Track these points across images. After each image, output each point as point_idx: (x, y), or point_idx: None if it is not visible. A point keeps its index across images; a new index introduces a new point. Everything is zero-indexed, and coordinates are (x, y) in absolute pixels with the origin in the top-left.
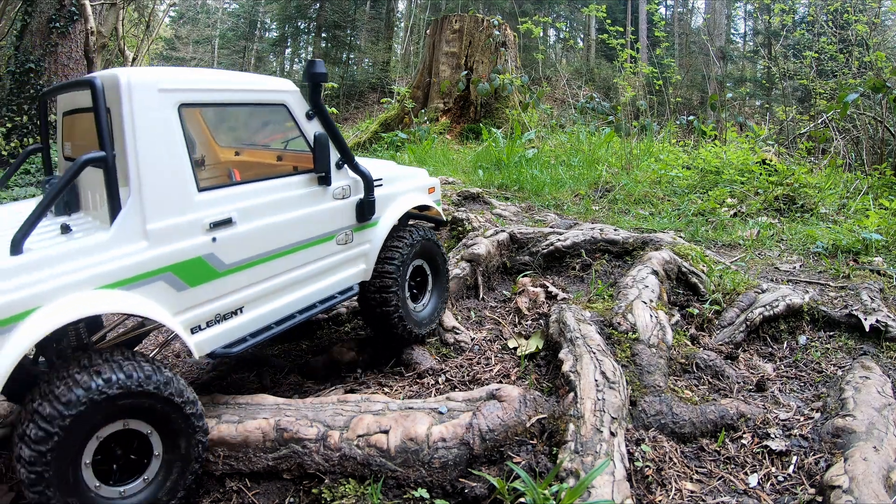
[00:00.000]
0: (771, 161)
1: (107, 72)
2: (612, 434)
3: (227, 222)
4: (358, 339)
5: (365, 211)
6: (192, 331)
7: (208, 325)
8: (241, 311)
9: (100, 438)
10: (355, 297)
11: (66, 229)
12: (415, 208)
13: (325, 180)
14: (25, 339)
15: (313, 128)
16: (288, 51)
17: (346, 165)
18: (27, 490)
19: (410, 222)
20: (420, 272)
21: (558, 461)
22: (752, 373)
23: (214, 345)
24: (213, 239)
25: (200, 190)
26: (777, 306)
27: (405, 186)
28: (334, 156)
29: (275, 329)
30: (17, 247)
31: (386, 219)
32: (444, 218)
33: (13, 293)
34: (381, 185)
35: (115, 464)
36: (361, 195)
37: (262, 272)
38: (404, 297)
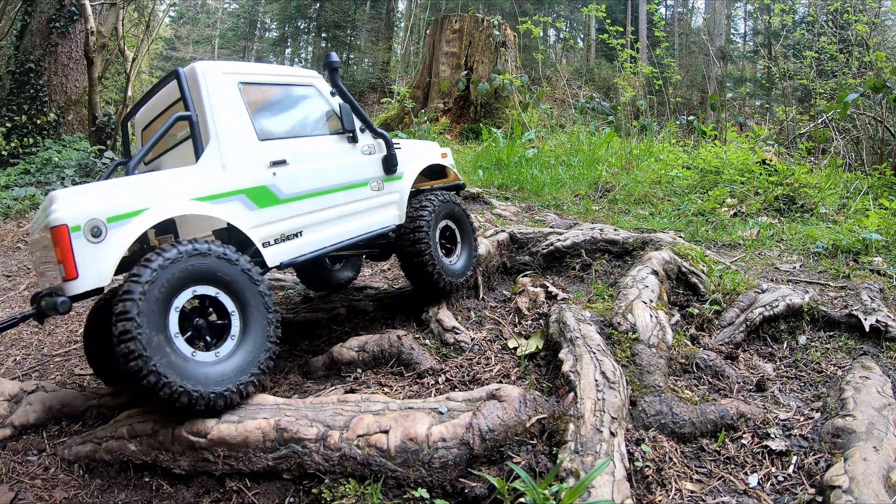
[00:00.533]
0: (771, 161)
1: (188, 66)
2: (612, 434)
3: (283, 162)
4: (358, 338)
5: (389, 164)
6: (264, 245)
7: (276, 242)
8: (301, 235)
9: (178, 310)
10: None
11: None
12: (434, 177)
13: (353, 139)
14: (140, 225)
15: (337, 101)
16: (288, 51)
17: (367, 130)
18: (128, 362)
19: (435, 188)
20: (449, 231)
21: (558, 461)
22: (752, 373)
23: (282, 258)
24: (274, 173)
25: (261, 140)
26: (777, 306)
27: (420, 151)
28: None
29: (328, 249)
30: (129, 171)
31: (408, 174)
32: (462, 181)
33: (130, 199)
34: (399, 147)
35: (202, 336)
36: (384, 151)
37: (313, 205)
38: (437, 250)
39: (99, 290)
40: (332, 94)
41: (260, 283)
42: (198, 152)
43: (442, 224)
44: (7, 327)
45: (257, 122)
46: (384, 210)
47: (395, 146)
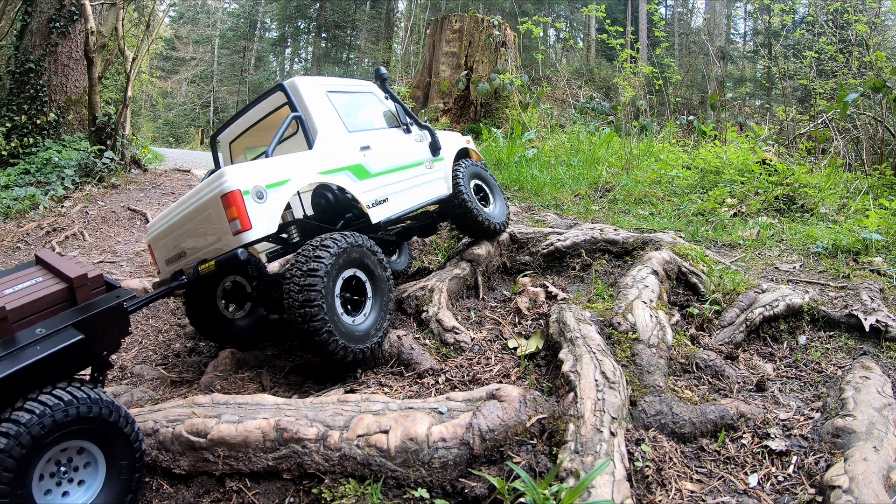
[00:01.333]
0: (771, 161)
1: (286, 81)
2: (612, 434)
3: (368, 147)
4: None
5: (434, 148)
6: (367, 206)
7: (374, 205)
8: (387, 200)
9: (342, 278)
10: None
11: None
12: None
13: (407, 130)
14: (289, 190)
15: (390, 103)
16: (288, 51)
17: (414, 123)
18: (305, 324)
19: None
20: (481, 189)
21: (558, 461)
22: (752, 373)
23: (380, 217)
24: (364, 155)
25: (349, 132)
26: (777, 306)
27: (452, 138)
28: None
29: (405, 211)
30: (266, 154)
31: (448, 155)
32: (483, 160)
33: (280, 172)
34: (437, 136)
35: (349, 304)
36: (429, 139)
37: (391, 178)
38: (477, 203)
39: (266, 238)
40: (386, 97)
41: (386, 269)
42: (309, 142)
43: (473, 184)
44: (159, 297)
45: (344, 119)
46: (436, 184)
47: (436, 134)
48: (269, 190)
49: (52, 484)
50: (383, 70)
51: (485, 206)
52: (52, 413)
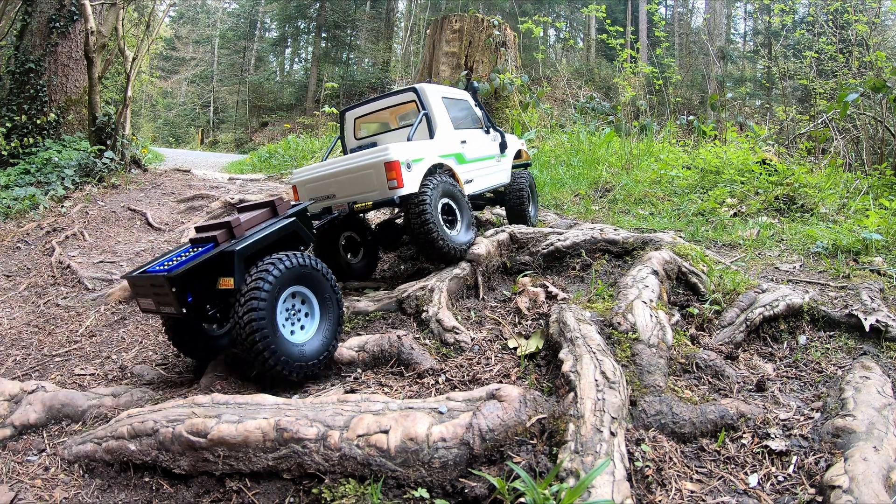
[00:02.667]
0: (771, 161)
1: (417, 85)
2: (612, 434)
3: (465, 141)
4: (358, 338)
5: (503, 147)
6: (464, 183)
7: (466, 183)
8: (473, 181)
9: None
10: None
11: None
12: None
13: (486, 131)
14: (424, 166)
15: (477, 109)
16: (288, 51)
17: (491, 126)
18: (435, 243)
19: (517, 165)
20: (529, 191)
21: (558, 461)
22: (752, 373)
23: (469, 192)
24: (462, 146)
25: (454, 129)
26: (777, 306)
27: (513, 140)
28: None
29: (481, 190)
30: (408, 138)
31: (510, 153)
32: (531, 159)
33: (418, 152)
34: (506, 138)
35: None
36: (500, 140)
37: (477, 166)
38: (529, 201)
39: (410, 195)
40: (475, 105)
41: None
42: (431, 133)
43: (528, 184)
44: (324, 225)
45: (452, 119)
46: (502, 174)
47: (505, 137)
48: (414, 164)
49: (286, 322)
50: (476, 84)
51: (531, 205)
52: (288, 261)
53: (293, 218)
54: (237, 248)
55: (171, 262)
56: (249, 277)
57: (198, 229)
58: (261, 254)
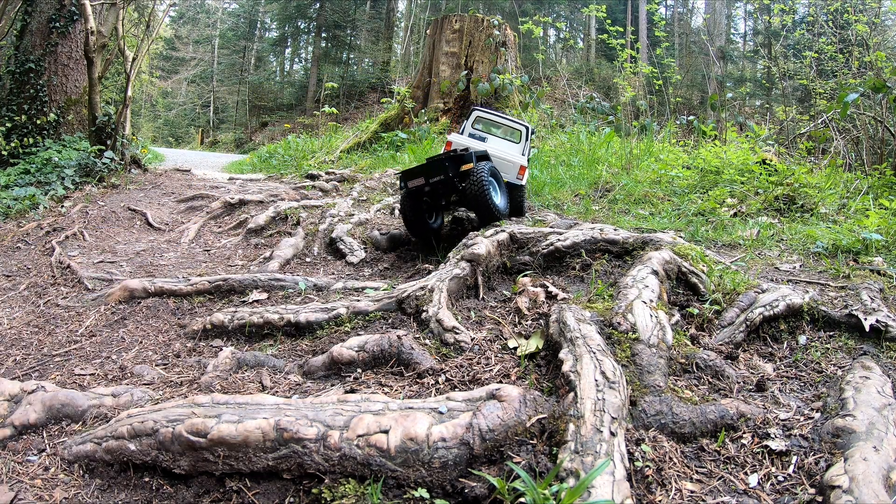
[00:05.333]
0: (771, 161)
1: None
2: (612, 434)
3: (529, 152)
4: (358, 338)
5: (528, 160)
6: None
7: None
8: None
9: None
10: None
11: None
12: None
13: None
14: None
15: (526, 143)
16: (288, 51)
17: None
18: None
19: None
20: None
21: (558, 461)
22: (752, 373)
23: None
24: (529, 156)
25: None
26: (777, 306)
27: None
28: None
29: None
30: (522, 153)
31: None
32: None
33: (526, 160)
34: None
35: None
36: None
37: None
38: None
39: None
40: (527, 139)
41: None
42: (519, 144)
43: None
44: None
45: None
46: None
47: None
48: (526, 167)
49: (492, 190)
50: (532, 127)
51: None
52: (489, 164)
53: (484, 151)
54: (473, 152)
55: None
56: (478, 167)
57: (450, 151)
58: (477, 160)
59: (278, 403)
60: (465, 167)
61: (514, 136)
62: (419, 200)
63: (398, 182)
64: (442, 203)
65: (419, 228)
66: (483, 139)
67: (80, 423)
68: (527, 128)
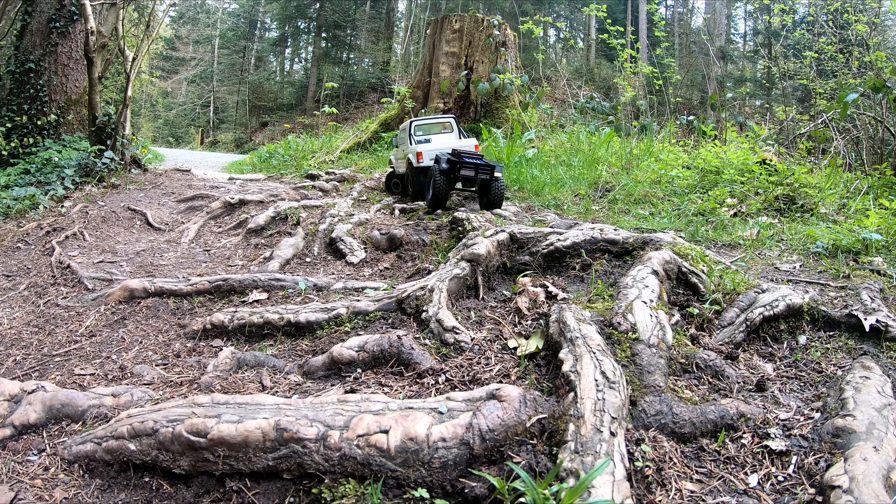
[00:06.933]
0: (771, 161)
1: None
2: (612, 434)
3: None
4: (358, 338)
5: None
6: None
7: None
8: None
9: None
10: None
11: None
12: None
13: (458, 137)
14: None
15: (456, 125)
16: (288, 51)
17: (461, 134)
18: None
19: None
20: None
21: (558, 461)
22: (752, 373)
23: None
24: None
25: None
26: (777, 306)
27: (469, 142)
28: None
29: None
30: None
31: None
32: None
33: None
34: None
35: None
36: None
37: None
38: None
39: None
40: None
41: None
42: (456, 131)
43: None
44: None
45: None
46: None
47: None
48: (479, 145)
49: None
50: (455, 116)
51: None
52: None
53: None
54: (496, 165)
55: (477, 158)
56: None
57: (463, 158)
58: (461, 157)
59: (278, 403)
60: (496, 174)
61: (448, 128)
62: (453, 181)
63: (438, 165)
64: (457, 186)
65: (444, 201)
66: (429, 141)
67: (80, 423)
68: (453, 116)
